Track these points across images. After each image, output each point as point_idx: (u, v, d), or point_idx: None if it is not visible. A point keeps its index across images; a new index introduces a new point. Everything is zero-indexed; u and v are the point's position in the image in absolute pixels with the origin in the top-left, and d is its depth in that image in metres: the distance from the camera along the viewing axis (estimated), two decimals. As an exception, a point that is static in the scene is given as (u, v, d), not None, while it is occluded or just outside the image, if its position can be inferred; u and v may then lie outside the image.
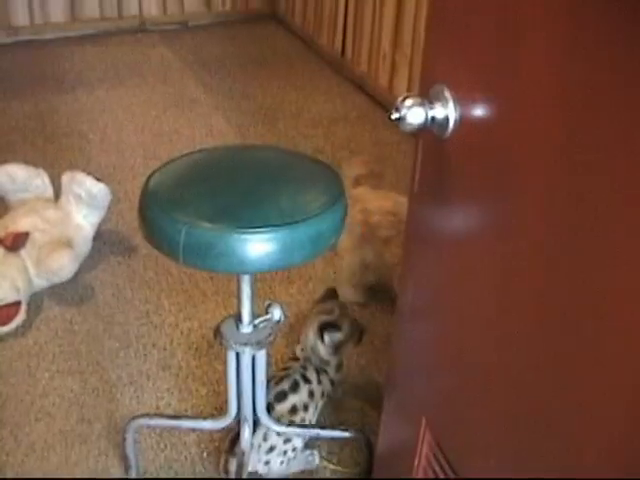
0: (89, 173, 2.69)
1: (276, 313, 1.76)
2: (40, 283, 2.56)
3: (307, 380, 1.99)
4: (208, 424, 1.96)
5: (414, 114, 1.13)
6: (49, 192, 2.79)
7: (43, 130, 3.64)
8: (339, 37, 4.31)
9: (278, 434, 1.91)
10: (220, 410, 2.20)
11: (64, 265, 2.50)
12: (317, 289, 2.61)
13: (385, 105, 3.90)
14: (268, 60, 4.52)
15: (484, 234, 1.15)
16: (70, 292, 2.62)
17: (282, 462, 1.93)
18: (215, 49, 4.61)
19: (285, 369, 2.04)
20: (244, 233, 1.41)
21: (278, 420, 1.91)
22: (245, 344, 1.72)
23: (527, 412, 1.08)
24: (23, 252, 2.53)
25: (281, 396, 1.95)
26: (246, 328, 1.73)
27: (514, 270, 1.07)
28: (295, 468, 1.99)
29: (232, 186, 1.54)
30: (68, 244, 2.62)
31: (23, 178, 2.73)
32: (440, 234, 1.28)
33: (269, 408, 1.89)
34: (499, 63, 1.04)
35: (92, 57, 4.43)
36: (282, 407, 1.94)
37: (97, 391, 2.25)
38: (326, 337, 2.01)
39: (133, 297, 2.62)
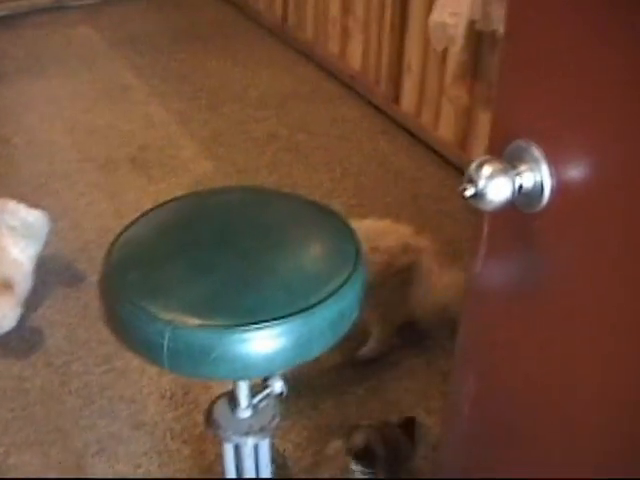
0: (20, 200, 2.32)
1: (277, 385, 1.45)
2: (-21, 334, 2.21)
3: None
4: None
5: (497, 186, 0.83)
6: (-23, 223, 2.41)
7: (-43, 138, 3.22)
8: (279, 1, 3.93)
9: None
10: (209, 472, 1.91)
11: (5, 314, 2.15)
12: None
13: (338, 76, 3.57)
14: (201, 32, 4.12)
15: (584, 342, 0.86)
16: (15, 340, 2.26)
17: None
18: (142, 24, 4.18)
19: None
20: (246, 331, 1.10)
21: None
22: (246, 434, 1.41)
23: None
24: (-45, 299, 2.17)
25: None
26: (244, 412, 1.43)
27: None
28: None
29: (220, 259, 1.21)
30: (5, 285, 2.26)
31: (-56, 210, 2.35)
32: (515, 331, 0.99)
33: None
34: (600, 110, 0.74)
35: (5, 43, 3.96)
36: None
37: (62, 465, 1.93)
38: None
39: (89, 337, 2.29)
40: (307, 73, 3.67)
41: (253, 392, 1.43)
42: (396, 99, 3.27)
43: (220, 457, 1.93)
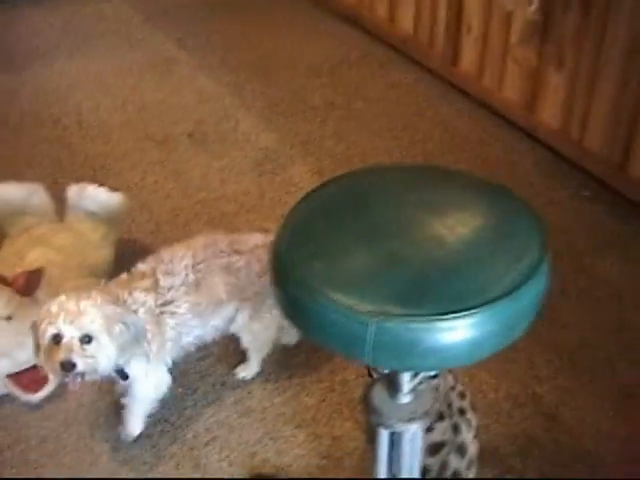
0: (101, 184, 2.22)
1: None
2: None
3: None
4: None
5: None
6: (50, 211, 2.32)
7: None
8: (317, -35, 3.81)
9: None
10: (328, 457, 1.85)
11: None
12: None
13: (387, 40, 3.46)
14: (237, 3, 3.99)
15: None
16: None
17: None
18: (173, -5, 4.06)
19: None
20: (455, 318, 1.02)
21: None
22: (410, 420, 1.34)
23: None
24: (40, 295, 2.07)
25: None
26: (405, 397, 1.35)
27: None
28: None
29: (409, 245, 1.13)
30: (91, 274, 2.17)
31: (19, 198, 2.25)
32: None
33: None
34: None
35: (38, 21, 3.83)
36: None
37: (175, 457, 1.86)
38: None
39: (178, 323, 2.20)
40: (355, 39, 3.57)
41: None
42: (454, 61, 3.17)
43: (338, 440, 1.88)
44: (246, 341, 1.98)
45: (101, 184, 2.21)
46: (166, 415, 1.95)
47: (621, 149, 2.56)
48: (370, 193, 1.24)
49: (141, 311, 1.74)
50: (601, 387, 2.00)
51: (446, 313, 1.03)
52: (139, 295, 1.75)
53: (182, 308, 1.80)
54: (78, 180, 2.62)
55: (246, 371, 2.03)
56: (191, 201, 2.64)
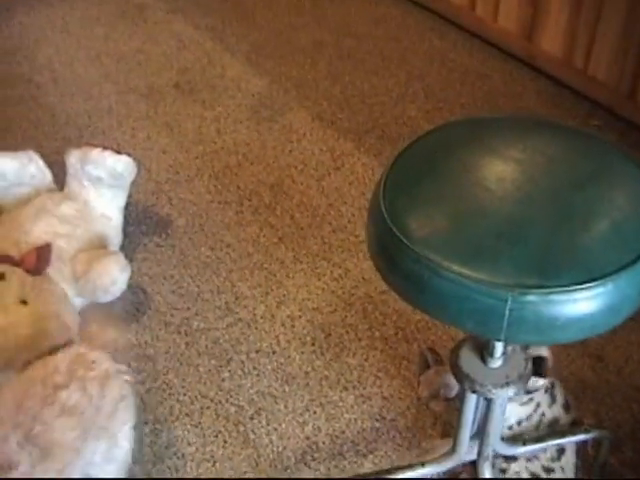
0: (105, 147, 2.06)
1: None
2: (80, 302, 1.99)
3: None
4: (429, 469, 1.51)
5: None
6: (48, 180, 2.16)
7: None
8: None
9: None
10: (381, 420, 1.77)
11: (116, 278, 1.93)
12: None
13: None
14: None
15: None
16: (119, 303, 2.03)
17: None
18: None
19: None
20: (593, 287, 0.94)
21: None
22: (504, 385, 1.26)
23: None
24: (51, 271, 1.93)
25: None
26: (497, 362, 1.27)
27: None
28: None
29: (528, 206, 1.03)
30: (101, 244, 2.04)
31: (14, 168, 2.09)
32: None
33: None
34: None
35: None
36: None
37: (225, 423, 1.77)
38: None
39: (200, 288, 2.09)
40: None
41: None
42: (443, -9, 3.04)
43: (388, 400, 1.81)
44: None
45: (104, 147, 2.05)
46: (203, 391, 1.85)
47: (630, 77, 2.48)
48: (473, 148, 1.13)
49: None
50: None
51: (585, 282, 0.94)
52: None
53: None
54: (64, 142, 2.46)
55: None
56: (190, 156, 2.49)
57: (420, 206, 1.04)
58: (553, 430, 1.57)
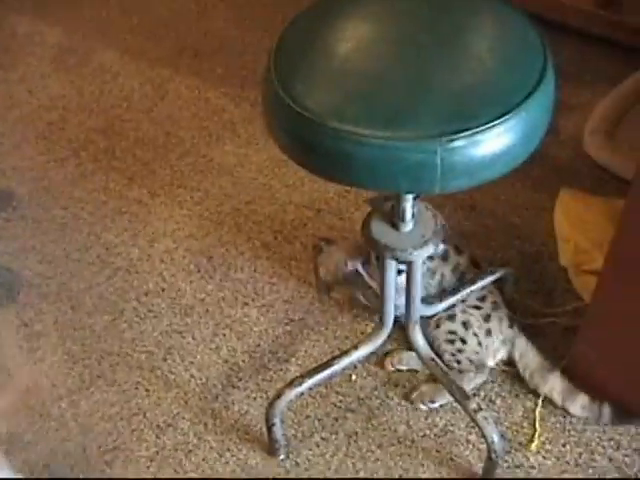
0: None
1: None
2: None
3: None
4: (364, 350, 1.54)
5: None
6: None
7: None
8: None
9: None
10: (290, 322, 1.79)
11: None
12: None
13: None
14: None
15: None
16: None
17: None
18: None
19: None
20: (506, 120, 0.98)
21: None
22: (422, 246, 1.30)
23: None
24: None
25: None
26: (407, 225, 1.31)
27: None
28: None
29: (429, 61, 1.05)
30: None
31: None
32: None
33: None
34: None
35: None
36: None
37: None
38: None
39: (66, 251, 1.98)
40: None
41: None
42: None
43: (289, 303, 1.82)
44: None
45: None
46: (106, 348, 1.78)
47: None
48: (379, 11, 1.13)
49: None
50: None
51: (501, 116, 0.98)
52: None
53: None
54: None
55: None
56: (8, 122, 2.32)
57: (321, 84, 1.04)
58: (462, 282, 1.64)
